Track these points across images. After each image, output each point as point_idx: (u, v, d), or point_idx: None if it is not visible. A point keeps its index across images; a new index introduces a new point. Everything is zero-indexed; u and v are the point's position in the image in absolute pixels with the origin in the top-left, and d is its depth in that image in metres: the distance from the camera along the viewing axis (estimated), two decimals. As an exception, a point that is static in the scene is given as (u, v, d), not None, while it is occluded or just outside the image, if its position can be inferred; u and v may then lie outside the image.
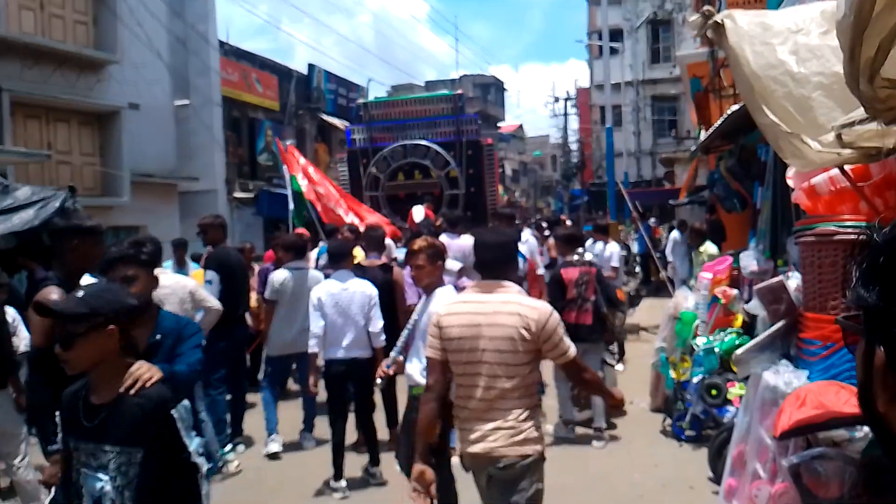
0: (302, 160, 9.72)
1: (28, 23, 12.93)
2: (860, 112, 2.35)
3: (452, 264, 5.23)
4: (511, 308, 2.84)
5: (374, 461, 5.37)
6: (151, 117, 15.09)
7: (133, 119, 14.52)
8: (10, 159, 10.94)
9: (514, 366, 2.79)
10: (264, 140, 20.32)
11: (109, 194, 14.15)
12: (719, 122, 7.03)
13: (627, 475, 5.26)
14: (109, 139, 14.42)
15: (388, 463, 5.00)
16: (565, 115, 40.77)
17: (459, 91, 14.60)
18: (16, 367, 4.63)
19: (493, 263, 3.03)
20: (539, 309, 2.87)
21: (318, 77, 23.26)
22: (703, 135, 9.23)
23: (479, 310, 2.88)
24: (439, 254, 4.13)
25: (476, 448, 2.85)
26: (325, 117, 23.23)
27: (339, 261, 5.51)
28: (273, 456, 5.89)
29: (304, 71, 22.91)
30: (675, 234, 12.67)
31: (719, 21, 3.12)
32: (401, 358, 4.30)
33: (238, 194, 18.54)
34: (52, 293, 3.18)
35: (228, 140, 18.26)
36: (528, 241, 8.32)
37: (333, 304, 5.18)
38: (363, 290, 5.26)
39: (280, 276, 6.11)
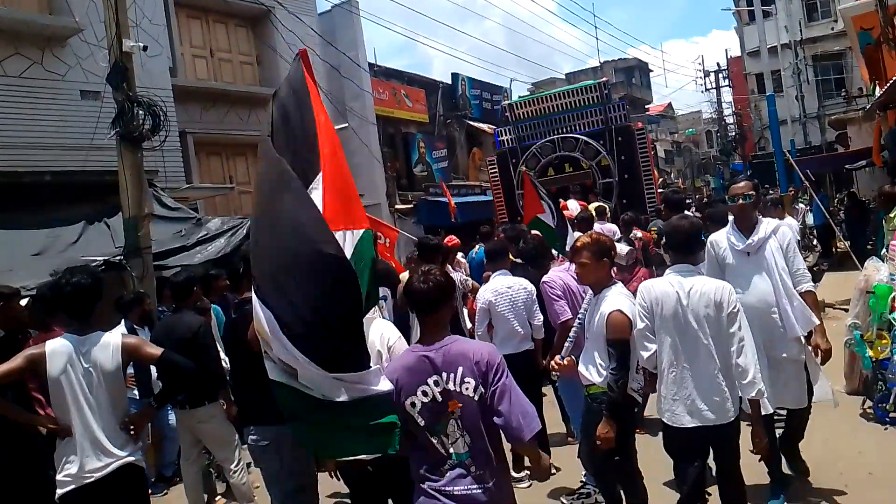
0: None
1: (202, 70, 14.34)
2: None
3: (622, 248, 5.16)
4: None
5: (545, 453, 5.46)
6: (315, 143, 16.19)
7: (299, 147, 15.63)
8: (200, 195, 12.21)
9: None
10: (418, 152, 21.12)
11: (284, 217, 15.30)
12: (900, 74, 6.40)
13: (830, 466, 4.76)
14: (281, 168, 15.61)
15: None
16: (717, 87, 38.67)
17: (604, 79, 14.31)
18: (226, 383, 5.09)
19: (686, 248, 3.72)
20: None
21: (461, 85, 23.75)
22: (879, 90, 8.42)
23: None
24: (606, 250, 3.81)
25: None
26: (472, 123, 23.69)
27: (497, 260, 5.67)
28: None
29: (448, 81, 23.48)
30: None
31: None
32: (572, 357, 4.23)
33: (399, 206, 19.45)
34: None
35: (386, 156, 19.21)
36: None
37: (502, 301, 5.35)
38: (524, 286, 5.43)
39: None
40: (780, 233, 4.25)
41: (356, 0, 18.41)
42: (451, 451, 2.67)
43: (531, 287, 5.46)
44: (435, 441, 2.67)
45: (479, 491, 2.64)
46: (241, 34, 15.33)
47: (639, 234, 8.43)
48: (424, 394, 2.66)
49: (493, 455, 2.70)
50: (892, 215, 7.22)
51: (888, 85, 7.16)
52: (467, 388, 2.64)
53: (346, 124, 16.69)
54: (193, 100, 13.63)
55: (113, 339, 3.47)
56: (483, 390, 2.64)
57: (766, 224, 4.28)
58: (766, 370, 3.95)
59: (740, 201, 4.28)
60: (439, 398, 2.66)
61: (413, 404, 2.66)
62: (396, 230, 8.59)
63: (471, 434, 2.65)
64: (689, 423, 3.47)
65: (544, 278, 5.06)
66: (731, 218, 4.56)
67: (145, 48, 7.21)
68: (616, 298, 3.71)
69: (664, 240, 4.68)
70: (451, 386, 2.65)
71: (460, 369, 2.65)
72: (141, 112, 6.87)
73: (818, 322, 4.18)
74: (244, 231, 7.85)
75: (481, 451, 2.67)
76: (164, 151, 8.25)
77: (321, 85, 15.09)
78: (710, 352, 3.45)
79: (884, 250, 6.71)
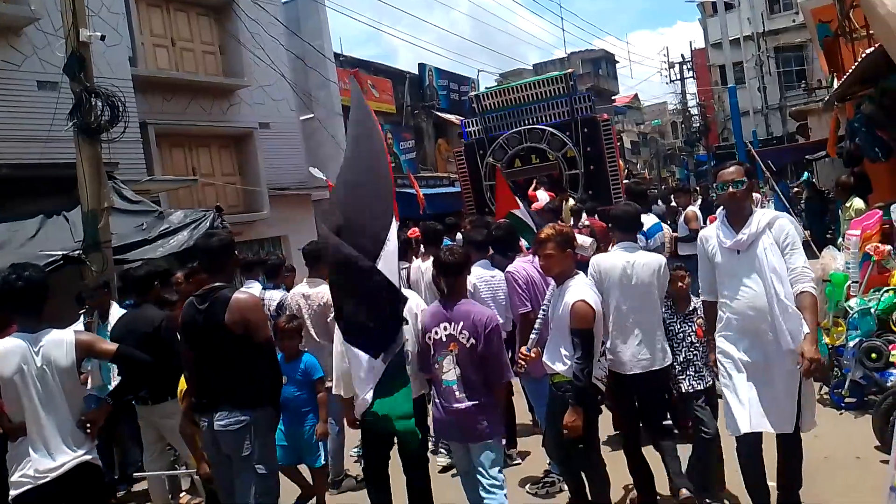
0: None
1: (163, 59, 14.07)
2: None
3: (584, 240, 5.20)
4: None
5: (512, 443, 5.53)
6: (281, 134, 16.08)
7: (265, 137, 15.50)
8: (163, 187, 11.99)
9: None
10: (384, 143, 21.00)
11: (251, 210, 15.17)
12: (854, 67, 6.56)
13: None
14: (246, 158, 15.47)
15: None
16: (682, 79, 39.10)
17: (570, 70, 14.38)
18: None
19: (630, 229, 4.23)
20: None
21: (429, 76, 23.70)
22: (837, 82, 8.61)
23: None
24: (569, 241, 3.90)
25: None
26: (439, 114, 23.62)
27: (479, 249, 5.62)
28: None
29: (416, 71, 23.38)
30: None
31: None
32: (538, 349, 4.19)
33: (366, 197, 19.29)
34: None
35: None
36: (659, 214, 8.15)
37: (486, 287, 5.40)
38: (503, 278, 5.44)
39: None
40: (776, 226, 3.64)
41: (321, -11, 18.25)
42: (443, 377, 3.81)
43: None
44: (436, 368, 3.85)
45: (462, 406, 3.75)
46: (204, 23, 15.05)
47: (587, 221, 8.51)
48: (436, 333, 3.84)
49: (480, 385, 3.78)
50: (848, 205, 7.42)
51: (845, 77, 7.32)
52: (463, 337, 3.76)
53: (312, 115, 16.55)
54: (155, 90, 13.37)
55: (66, 336, 3.40)
56: (474, 341, 3.74)
57: (760, 216, 3.69)
58: (755, 387, 3.60)
59: (730, 189, 3.70)
60: (444, 339, 3.81)
61: (429, 338, 3.86)
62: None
63: (462, 369, 3.77)
64: (630, 371, 4.06)
65: (509, 268, 5.03)
66: (720, 210, 4.01)
67: (103, 38, 7.02)
68: (579, 288, 3.76)
69: (612, 222, 4.93)
70: (454, 332, 3.78)
71: (462, 322, 3.78)
72: (99, 103, 6.71)
73: (808, 330, 3.52)
74: (207, 223, 7.75)
75: (470, 381, 3.76)
76: (124, 143, 8.08)
77: (286, 76, 14.88)
78: (653, 308, 4.14)
79: (840, 239, 6.88)
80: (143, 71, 12.93)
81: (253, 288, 6.85)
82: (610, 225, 5.61)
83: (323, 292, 5.34)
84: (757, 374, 3.62)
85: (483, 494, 3.78)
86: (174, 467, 5.56)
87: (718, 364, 3.78)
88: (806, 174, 18.13)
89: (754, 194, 15.97)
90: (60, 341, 3.37)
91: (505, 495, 3.80)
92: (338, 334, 4.05)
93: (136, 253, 7.47)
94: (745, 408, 3.57)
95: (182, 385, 4.20)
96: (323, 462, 4.89)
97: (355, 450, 5.84)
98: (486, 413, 3.78)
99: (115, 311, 5.73)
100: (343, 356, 4.03)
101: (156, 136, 13.11)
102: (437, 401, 3.89)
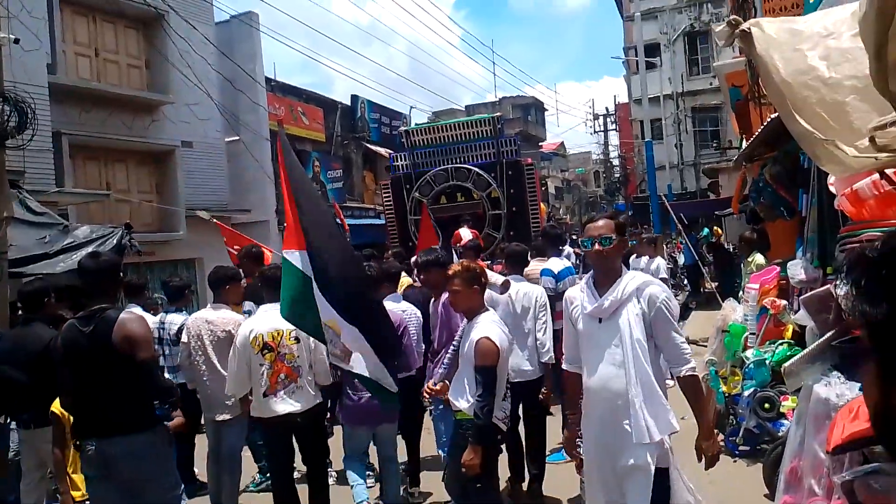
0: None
1: (84, 69, 13.58)
2: (893, 115, 2.35)
3: (496, 278, 5.24)
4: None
5: (415, 481, 5.48)
6: (204, 154, 15.71)
7: (187, 156, 15.10)
8: (72, 200, 11.48)
9: None
10: (312, 170, 20.80)
11: (166, 229, 14.66)
12: (760, 130, 6.96)
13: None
14: (165, 177, 15.00)
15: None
16: (605, 130, 40.62)
17: (498, 114, 14.72)
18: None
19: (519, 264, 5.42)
20: None
21: (361, 107, 23.73)
22: (746, 143, 9.12)
23: None
24: (476, 277, 3.89)
25: None
26: (370, 146, 23.64)
27: (390, 282, 5.65)
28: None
29: (348, 102, 23.39)
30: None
31: (746, 30, 3.05)
32: (447, 381, 4.23)
33: (289, 224, 18.99)
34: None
35: (278, 173, 18.73)
36: (569, 256, 8.32)
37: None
38: (415, 313, 5.46)
39: None
40: (646, 294, 3.09)
41: (256, 14, 18.10)
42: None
43: (420, 315, 5.49)
44: None
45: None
46: (131, 35, 14.67)
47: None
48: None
49: None
50: (749, 259, 7.79)
51: (752, 139, 7.76)
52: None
53: (238, 137, 16.25)
54: (73, 100, 12.87)
55: None
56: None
57: (629, 280, 3.16)
58: (607, 480, 3.19)
59: (596, 245, 3.16)
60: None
61: None
62: (270, 250, 8.88)
63: None
64: (515, 379, 4.61)
65: (444, 299, 4.96)
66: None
67: (17, 41, 6.77)
68: (486, 325, 3.76)
69: (505, 258, 6.12)
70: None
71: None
72: (7, 108, 6.41)
73: (707, 420, 3.26)
74: (115, 241, 7.42)
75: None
76: (33, 152, 7.72)
77: (213, 97, 14.58)
78: (531, 329, 5.17)
79: (741, 292, 7.20)
80: (61, 79, 12.45)
81: (134, 310, 6.50)
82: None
83: (227, 318, 5.19)
84: (606, 467, 3.18)
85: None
86: (56, 496, 5.20)
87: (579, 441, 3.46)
88: (705, 230, 19.07)
89: (667, 244, 16.48)
90: None
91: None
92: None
93: (34, 267, 7.06)
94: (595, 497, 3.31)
95: (56, 407, 3.98)
96: None
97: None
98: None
99: None
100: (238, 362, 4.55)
101: (69, 147, 12.59)
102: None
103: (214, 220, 10.52)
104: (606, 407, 3.12)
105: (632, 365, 3.04)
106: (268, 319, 4.50)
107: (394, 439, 5.11)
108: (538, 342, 5.21)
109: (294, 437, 4.66)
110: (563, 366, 3.51)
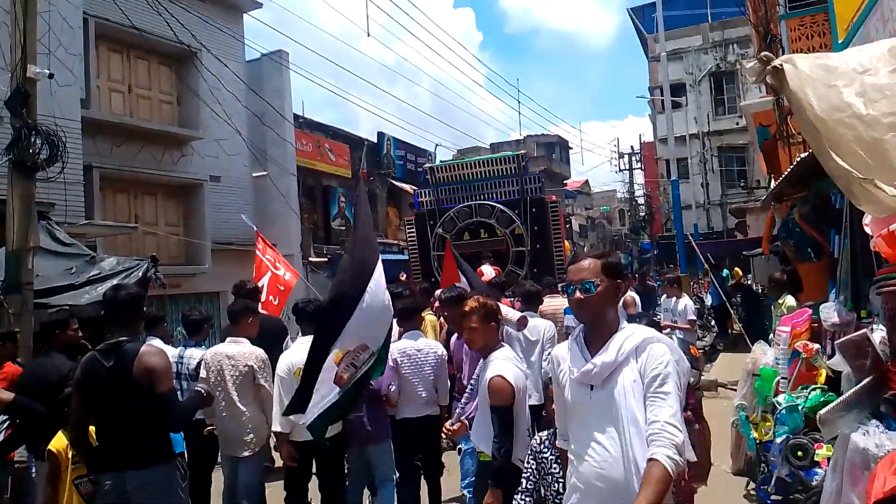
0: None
1: (117, 104, 13.91)
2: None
3: (512, 314, 5.16)
4: None
5: None
6: (231, 188, 15.94)
7: (214, 190, 15.32)
8: (100, 232, 11.64)
9: None
10: (338, 206, 21.00)
11: (192, 262, 14.80)
12: (789, 170, 6.85)
13: (711, 543, 4.90)
14: (192, 210, 15.21)
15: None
16: (630, 169, 40.55)
17: (522, 151, 14.79)
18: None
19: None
20: None
21: (387, 144, 23.99)
22: (774, 183, 9.00)
23: None
24: (493, 314, 3.81)
25: None
26: (394, 182, 23.84)
27: (409, 319, 5.55)
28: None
29: (374, 139, 23.67)
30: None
31: (778, 66, 2.97)
32: (464, 420, 4.19)
33: (313, 258, 19.15)
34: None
35: (303, 207, 18.97)
36: None
37: (409, 362, 5.25)
38: (434, 349, 5.35)
39: None
40: (646, 354, 2.43)
41: (286, 52, 18.49)
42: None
43: (442, 351, 5.42)
44: None
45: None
46: (164, 72, 15.04)
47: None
48: None
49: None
50: (780, 301, 7.61)
51: (781, 178, 7.64)
52: None
53: (265, 172, 16.48)
54: (105, 134, 13.15)
55: None
56: None
57: (626, 337, 2.49)
58: None
59: (577, 293, 2.53)
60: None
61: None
62: (297, 273, 9.16)
63: None
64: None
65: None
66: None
67: (51, 76, 6.88)
68: (500, 364, 3.63)
69: (521, 297, 6.37)
70: None
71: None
72: (38, 140, 6.51)
73: None
74: (140, 273, 7.47)
75: None
76: (64, 184, 7.83)
77: (242, 132, 14.84)
78: (537, 360, 5.47)
79: (771, 335, 7.01)
80: (94, 113, 12.74)
81: (154, 343, 6.50)
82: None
83: (248, 353, 5.15)
84: None
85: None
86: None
87: None
88: (725, 271, 18.77)
89: (693, 284, 16.14)
90: None
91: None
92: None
93: (60, 298, 7.10)
94: None
95: (52, 445, 3.93)
96: None
97: None
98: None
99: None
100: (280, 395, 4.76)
101: (100, 180, 12.83)
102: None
103: (255, 228, 10.67)
104: (601, 500, 2.45)
105: (630, 448, 2.37)
106: (303, 351, 4.51)
107: (389, 461, 5.12)
108: (542, 371, 5.56)
109: (314, 461, 5.02)
110: (557, 443, 2.89)
